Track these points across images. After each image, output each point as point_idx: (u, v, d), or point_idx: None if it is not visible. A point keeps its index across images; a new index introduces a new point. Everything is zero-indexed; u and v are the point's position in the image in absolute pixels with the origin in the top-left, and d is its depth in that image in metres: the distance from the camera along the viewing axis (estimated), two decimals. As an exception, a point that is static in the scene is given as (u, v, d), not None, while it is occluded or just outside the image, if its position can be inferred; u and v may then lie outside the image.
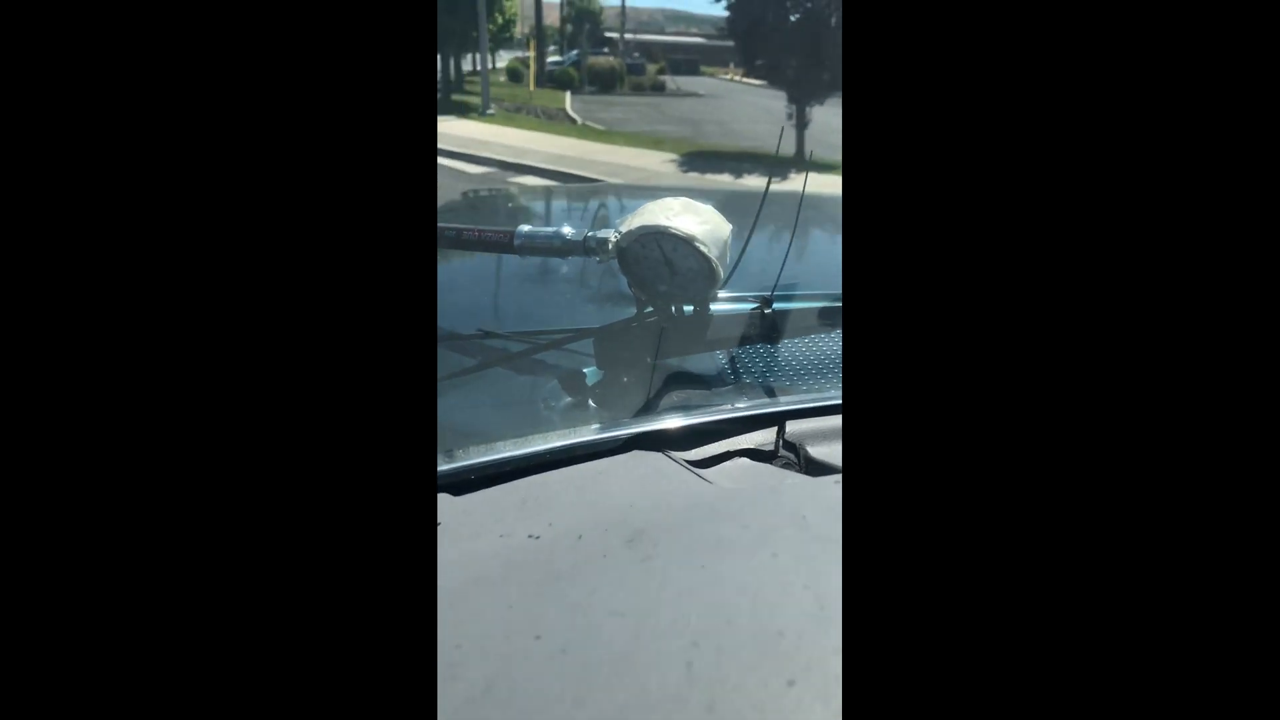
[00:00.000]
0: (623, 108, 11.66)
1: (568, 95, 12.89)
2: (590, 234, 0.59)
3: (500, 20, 12.76)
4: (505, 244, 0.63)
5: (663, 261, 0.55)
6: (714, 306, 0.58)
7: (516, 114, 9.82)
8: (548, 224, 0.61)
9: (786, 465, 0.41)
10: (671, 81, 16.72)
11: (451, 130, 7.61)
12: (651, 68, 17.77)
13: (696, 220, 0.53)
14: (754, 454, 0.41)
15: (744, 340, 0.54)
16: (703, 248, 0.53)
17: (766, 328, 0.53)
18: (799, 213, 0.59)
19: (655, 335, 0.53)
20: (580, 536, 0.30)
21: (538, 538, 0.30)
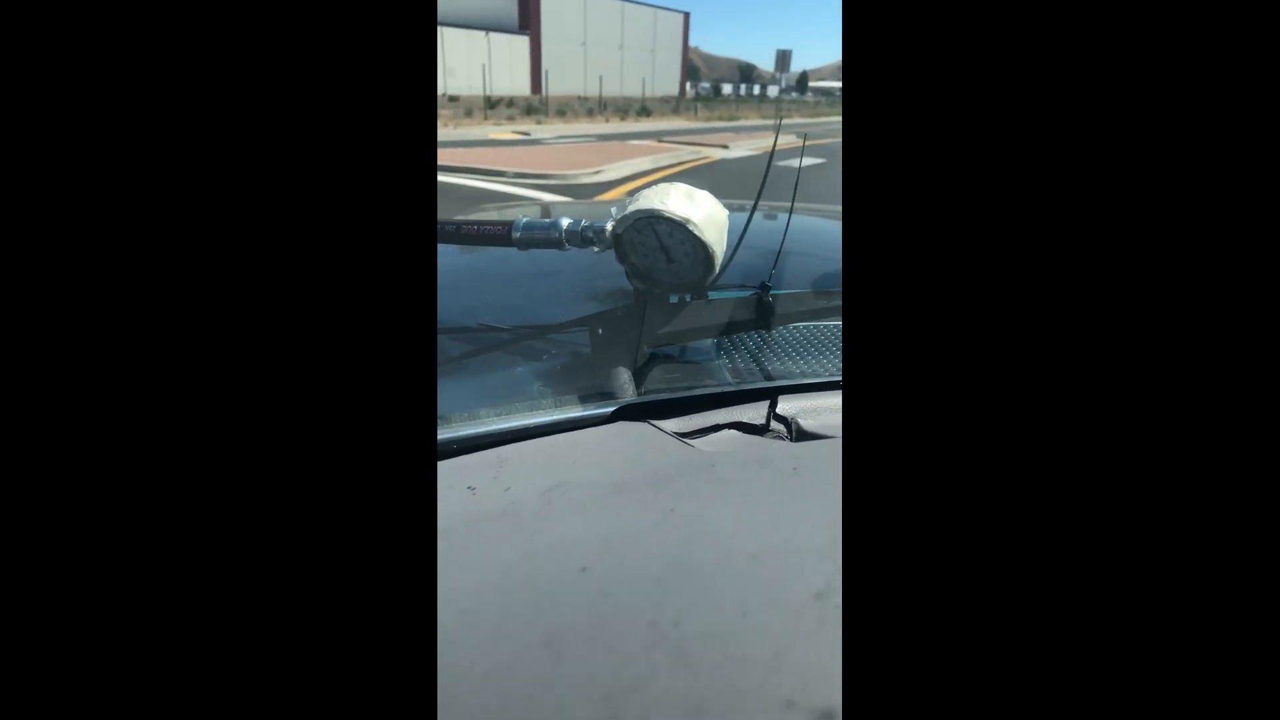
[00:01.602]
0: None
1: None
2: (587, 223, 0.59)
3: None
4: (504, 236, 0.63)
5: (659, 248, 0.56)
6: (711, 294, 0.58)
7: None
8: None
9: (777, 438, 0.40)
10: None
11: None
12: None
13: (693, 205, 0.54)
14: (743, 426, 0.40)
15: (741, 326, 0.53)
16: (698, 232, 0.53)
17: (764, 313, 0.53)
18: (793, 197, 0.59)
19: (651, 321, 0.53)
20: (549, 489, 0.30)
21: (509, 489, 0.30)
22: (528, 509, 0.29)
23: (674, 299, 0.58)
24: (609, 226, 0.57)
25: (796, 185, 0.60)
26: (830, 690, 0.19)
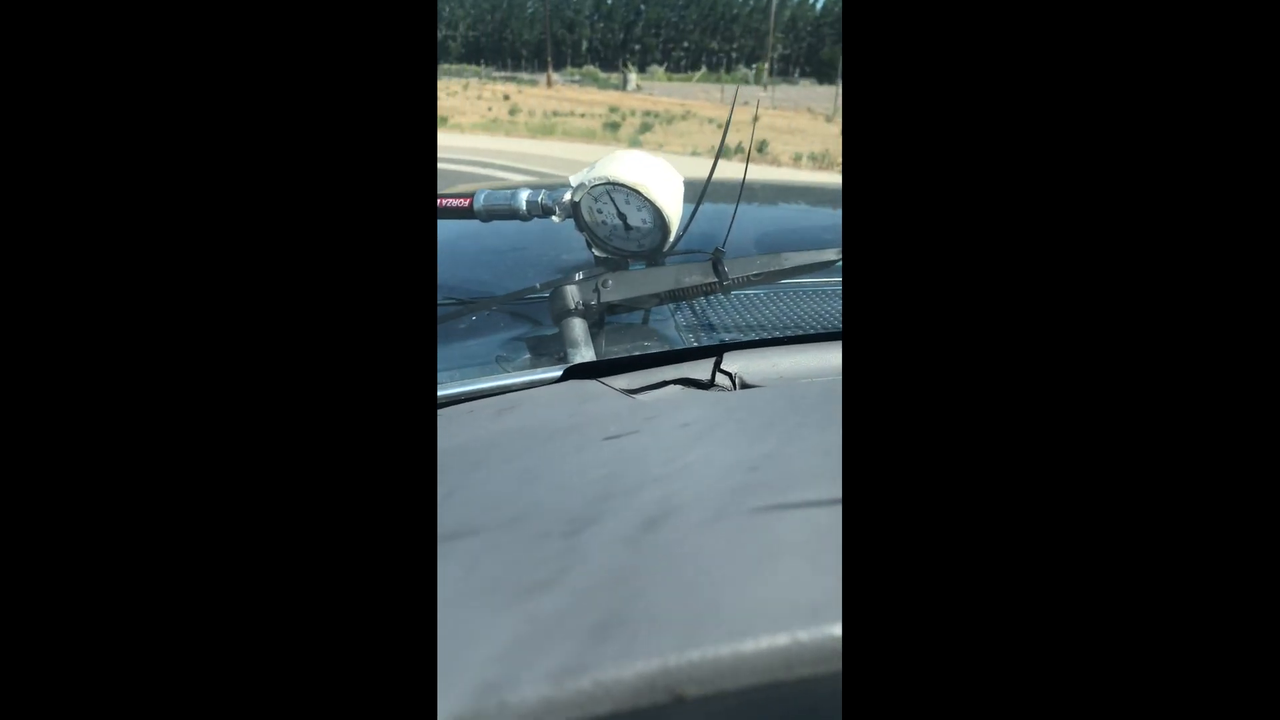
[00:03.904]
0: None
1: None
2: (546, 193, 0.60)
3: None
4: (466, 210, 0.64)
5: (616, 215, 0.57)
6: (669, 259, 0.60)
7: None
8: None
9: (721, 391, 0.42)
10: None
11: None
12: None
13: (648, 172, 0.55)
14: (689, 382, 0.42)
15: (697, 289, 0.55)
16: (653, 199, 0.54)
17: (719, 276, 0.55)
18: (746, 166, 0.61)
19: (610, 287, 0.54)
20: (493, 437, 0.32)
21: (453, 439, 0.32)
22: (470, 451, 0.31)
23: (634, 266, 0.60)
24: (568, 196, 0.58)
25: (749, 157, 0.62)
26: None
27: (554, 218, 0.60)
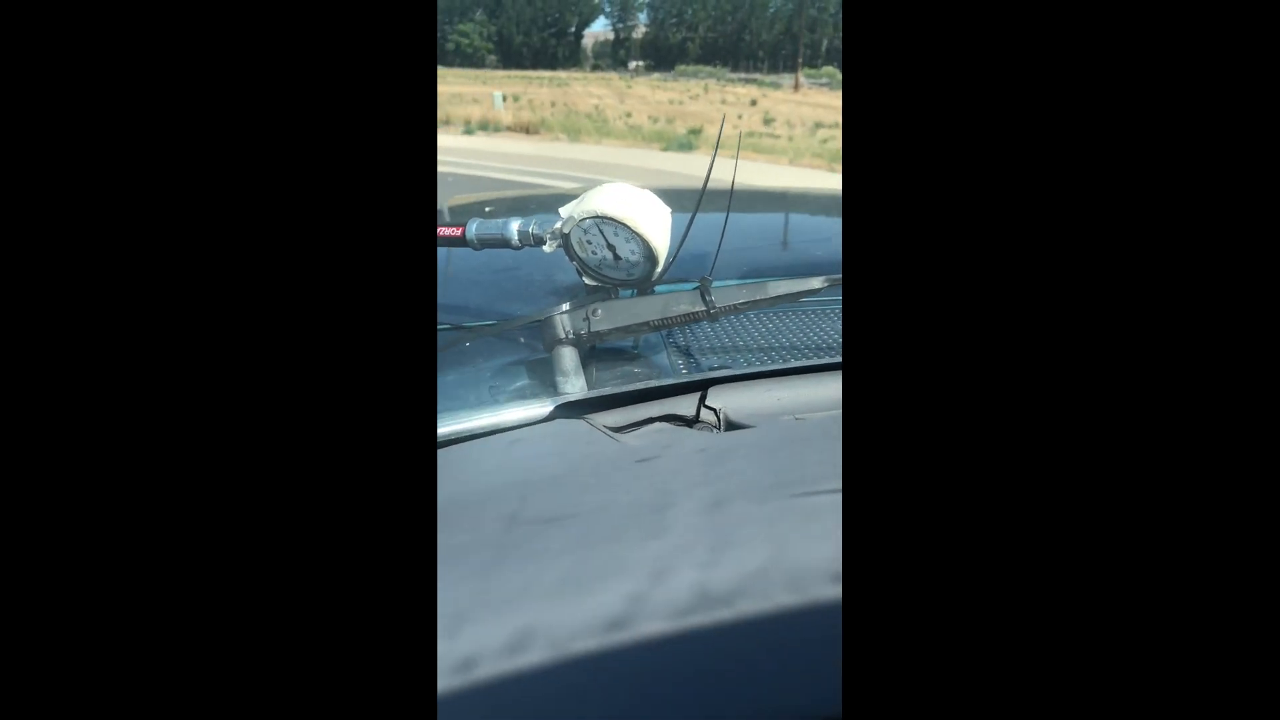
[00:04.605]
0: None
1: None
2: (537, 224, 0.62)
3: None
4: (459, 239, 0.65)
5: (605, 246, 0.58)
6: (658, 289, 0.61)
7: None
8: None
9: (706, 428, 0.44)
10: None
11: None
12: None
13: (635, 206, 0.57)
14: (674, 419, 0.44)
15: (685, 318, 0.57)
16: (641, 232, 0.56)
17: (706, 305, 0.56)
18: (730, 193, 0.62)
19: (600, 316, 0.56)
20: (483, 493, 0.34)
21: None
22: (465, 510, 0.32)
23: (625, 294, 0.61)
24: (558, 226, 0.60)
25: (733, 186, 0.63)
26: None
27: (545, 248, 0.61)
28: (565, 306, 0.57)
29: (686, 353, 0.61)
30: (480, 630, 0.22)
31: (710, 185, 0.60)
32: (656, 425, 0.43)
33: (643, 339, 0.63)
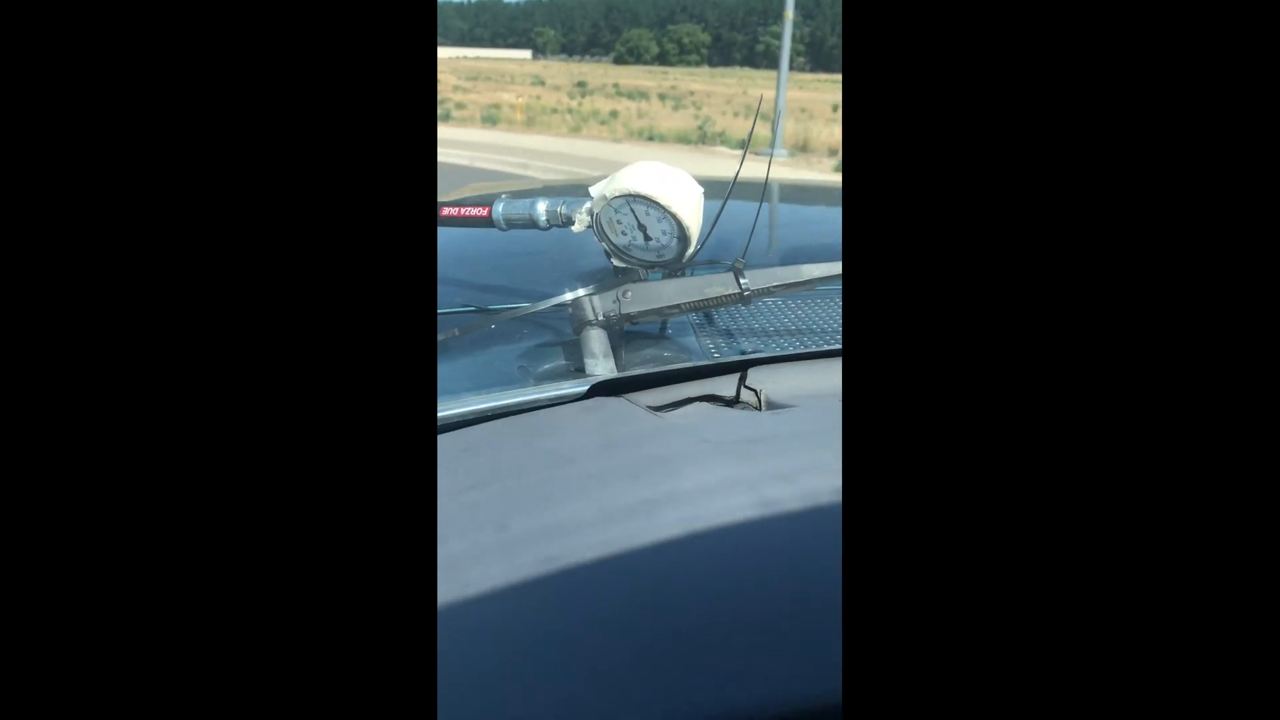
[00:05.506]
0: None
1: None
2: (565, 204, 0.60)
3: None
4: (485, 219, 0.64)
5: (636, 226, 0.57)
6: (689, 271, 0.60)
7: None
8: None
9: (746, 408, 0.42)
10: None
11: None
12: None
13: (668, 184, 0.55)
14: (714, 398, 0.42)
15: (718, 301, 0.55)
16: (674, 210, 0.54)
17: (739, 288, 0.55)
18: (767, 177, 0.61)
19: (630, 298, 0.55)
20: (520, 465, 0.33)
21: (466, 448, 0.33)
22: (498, 486, 0.31)
23: (654, 276, 0.60)
24: (587, 206, 0.58)
25: (769, 171, 0.61)
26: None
27: (573, 228, 0.60)
28: (593, 288, 0.55)
29: (718, 335, 0.60)
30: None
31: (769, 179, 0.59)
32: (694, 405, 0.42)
33: (671, 321, 0.62)
